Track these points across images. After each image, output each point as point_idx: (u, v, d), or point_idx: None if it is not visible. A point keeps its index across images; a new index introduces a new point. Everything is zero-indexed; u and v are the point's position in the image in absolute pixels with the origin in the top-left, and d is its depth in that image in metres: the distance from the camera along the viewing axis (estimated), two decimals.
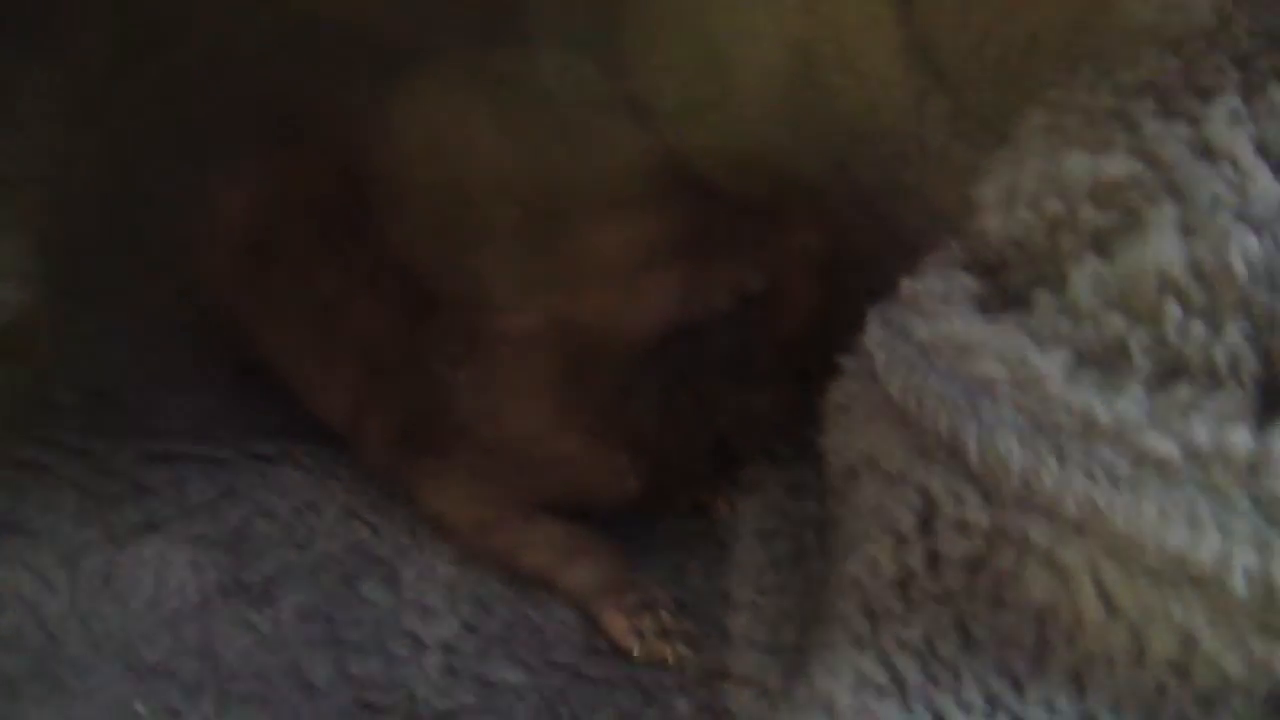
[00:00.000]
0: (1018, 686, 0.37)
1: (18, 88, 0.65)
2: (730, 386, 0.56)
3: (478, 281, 0.56)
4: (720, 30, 0.64)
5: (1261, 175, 0.34)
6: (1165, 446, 0.33)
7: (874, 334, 0.43)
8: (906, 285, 0.43)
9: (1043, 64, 0.51)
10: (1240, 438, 0.32)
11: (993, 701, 0.37)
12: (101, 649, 0.52)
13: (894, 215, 0.58)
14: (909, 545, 0.40)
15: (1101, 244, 0.38)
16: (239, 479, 0.57)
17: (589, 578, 0.55)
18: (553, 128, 0.61)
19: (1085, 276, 0.37)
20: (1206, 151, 0.36)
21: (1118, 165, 0.38)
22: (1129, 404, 0.34)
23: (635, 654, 0.53)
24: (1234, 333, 0.33)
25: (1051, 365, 0.36)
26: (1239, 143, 0.35)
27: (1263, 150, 0.35)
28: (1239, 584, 0.31)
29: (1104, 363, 0.36)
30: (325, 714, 0.51)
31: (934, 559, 0.40)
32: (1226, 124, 0.36)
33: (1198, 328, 0.34)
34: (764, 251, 0.56)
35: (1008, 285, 0.41)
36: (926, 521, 0.40)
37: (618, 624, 0.53)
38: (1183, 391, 0.33)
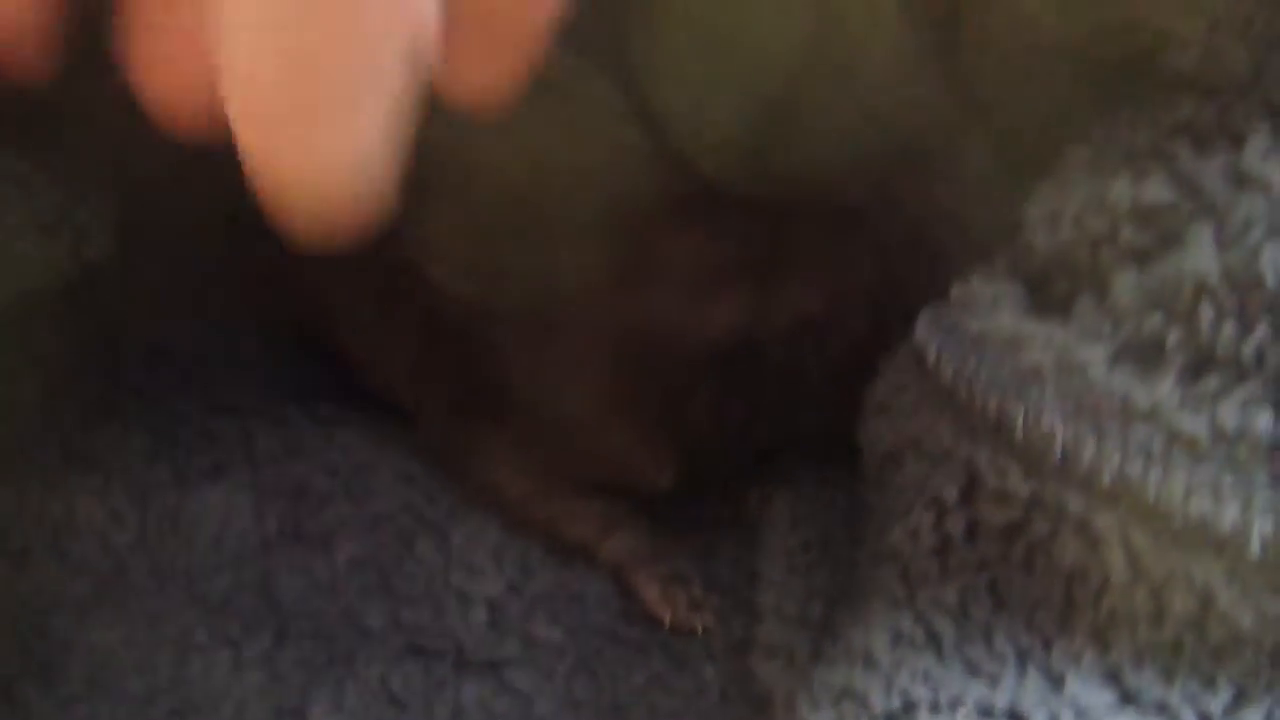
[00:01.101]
0: (1046, 643, 0.41)
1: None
2: (781, 404, 0.59)
3: (541, 274, 0.59)
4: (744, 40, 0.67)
5: None
6: (1195, 427, 0.37)
7: (924, 331, 0.47)
8: (956, 289, 0.48)
9: (1085, 102, 0.55)
10: (1263, 422, 0.36)
11: (1023, 655, 0.41)
12: (166, 581, 0.55)
13: (935, 240, 0.62)
14: (950, 515, 0.44)
15: (1141, 259, 0.42)
16: (304, 436, 0.61)
17: (626, 549, 0.58)
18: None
19: (1126, 283, 0.41)
20: (1241, 181, 0.41)
21: (1157, 192, 0.43)
22: (1164, 390, 0.38)
23: (666, 622, 0.56)
24: (1262, 331, 0.37)
25: (1094, 355, 0.40)
26: (1272, 172, 0.40)
27: None
28: (1255, 547, 0.35)
29: (1141, 356, 0.40)
30: (378, 655, 0.54)
31: (973, 528, 0.44)
32: (1260, 158, 0.41)
33: (1229, 327, 0.38)
34: (823, 275, 0.59)
35: (1051, 295, 0.46)
36: (968, 493, 0.44)
37: (651, 592, 0.57)
38: (1213, 381, 0.38)
